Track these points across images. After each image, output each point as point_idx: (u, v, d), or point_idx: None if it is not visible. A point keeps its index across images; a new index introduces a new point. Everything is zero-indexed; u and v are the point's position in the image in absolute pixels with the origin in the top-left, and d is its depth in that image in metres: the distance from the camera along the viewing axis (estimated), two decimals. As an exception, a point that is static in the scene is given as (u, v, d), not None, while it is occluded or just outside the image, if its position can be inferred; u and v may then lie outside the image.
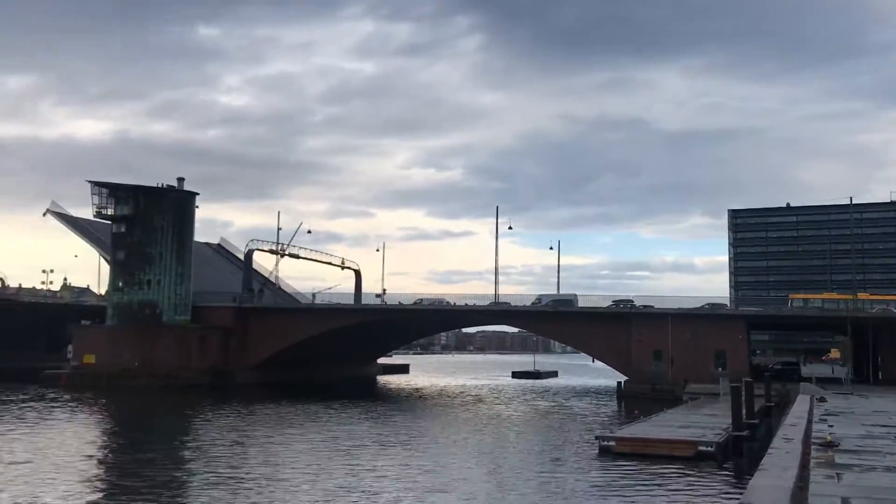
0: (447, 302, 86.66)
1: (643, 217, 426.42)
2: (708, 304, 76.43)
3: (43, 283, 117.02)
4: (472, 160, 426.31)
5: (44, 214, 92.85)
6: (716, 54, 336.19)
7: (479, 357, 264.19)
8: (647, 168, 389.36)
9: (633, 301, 78.49)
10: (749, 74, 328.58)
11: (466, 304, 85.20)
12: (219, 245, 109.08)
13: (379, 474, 27.95)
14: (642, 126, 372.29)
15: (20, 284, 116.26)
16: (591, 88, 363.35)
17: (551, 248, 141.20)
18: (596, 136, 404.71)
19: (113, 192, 79.55)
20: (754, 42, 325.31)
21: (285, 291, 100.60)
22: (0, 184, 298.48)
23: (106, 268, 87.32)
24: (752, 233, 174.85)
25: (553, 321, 79.54)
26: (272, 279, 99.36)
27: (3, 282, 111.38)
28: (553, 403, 65.68)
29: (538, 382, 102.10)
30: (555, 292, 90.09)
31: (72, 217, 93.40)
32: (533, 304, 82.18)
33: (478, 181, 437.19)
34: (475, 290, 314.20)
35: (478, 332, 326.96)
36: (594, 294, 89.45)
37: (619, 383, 74.26)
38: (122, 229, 78.96)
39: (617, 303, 78.51)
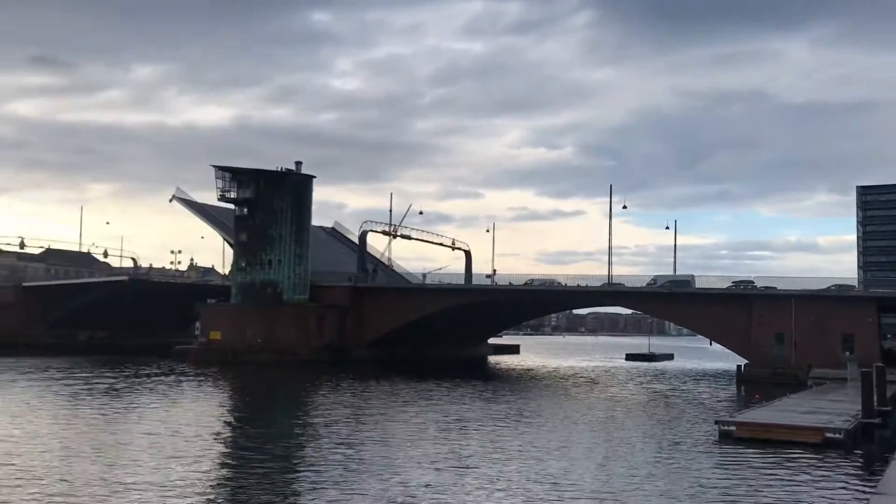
0: (558, 282, 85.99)
1: (763, 195, 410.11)
2: (834, 285, 73.29)
3: (171, 263, 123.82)
4: (583, 138, 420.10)
5: (170, 201, 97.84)
6: (846, 22, 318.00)
7: (591, 339, 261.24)
8: (767, 143, 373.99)
9: (753, 282, 75.89)
10: (884, 42, 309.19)
11: (578, 285, 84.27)
12: (332, 229, 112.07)
13: (492, 454, 28.12)
14: (763, 99, 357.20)
15: (151, 264, 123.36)
16: (707, 62, 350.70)
17: (667, 228, 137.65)
18: (713, 111, 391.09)
19: (235, 176, 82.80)
20: (890, 6, 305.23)
21: (397, 272, 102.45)
22: (130, 169, 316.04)
23: (229, 249, 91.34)
24: (884, 210, 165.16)
25: (669, 302, 77.67)
26: (384, 260, 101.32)
27: (136, 262, 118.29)
28: (670, 386, 64.39)
29: (653, 365, 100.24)
30: (670, 273, 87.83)
31: (196, 203, 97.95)
32: (648, 284, 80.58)
33: (589, 159, 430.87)
34: (587, 271, 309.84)
35: (589, 313, 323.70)
36: (712, 275, 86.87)
37: (738, 367, 72.03)
38: (245, 212, 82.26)
39: (737, 284, 76.10)
